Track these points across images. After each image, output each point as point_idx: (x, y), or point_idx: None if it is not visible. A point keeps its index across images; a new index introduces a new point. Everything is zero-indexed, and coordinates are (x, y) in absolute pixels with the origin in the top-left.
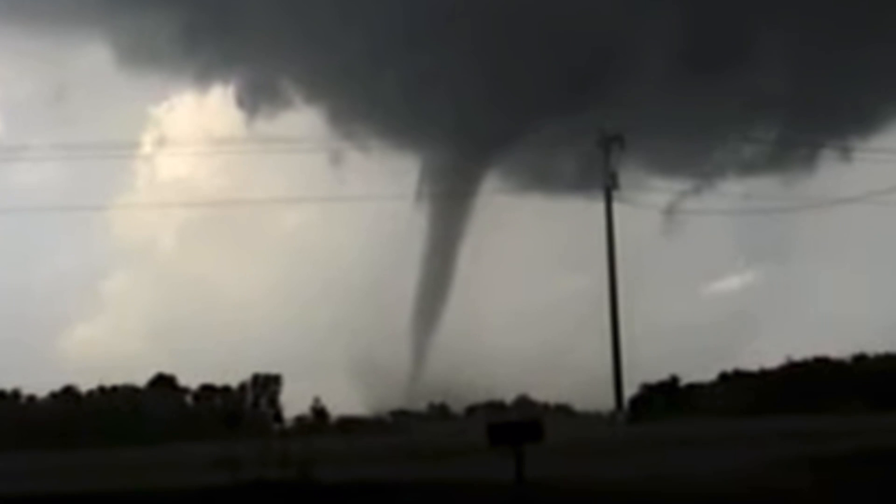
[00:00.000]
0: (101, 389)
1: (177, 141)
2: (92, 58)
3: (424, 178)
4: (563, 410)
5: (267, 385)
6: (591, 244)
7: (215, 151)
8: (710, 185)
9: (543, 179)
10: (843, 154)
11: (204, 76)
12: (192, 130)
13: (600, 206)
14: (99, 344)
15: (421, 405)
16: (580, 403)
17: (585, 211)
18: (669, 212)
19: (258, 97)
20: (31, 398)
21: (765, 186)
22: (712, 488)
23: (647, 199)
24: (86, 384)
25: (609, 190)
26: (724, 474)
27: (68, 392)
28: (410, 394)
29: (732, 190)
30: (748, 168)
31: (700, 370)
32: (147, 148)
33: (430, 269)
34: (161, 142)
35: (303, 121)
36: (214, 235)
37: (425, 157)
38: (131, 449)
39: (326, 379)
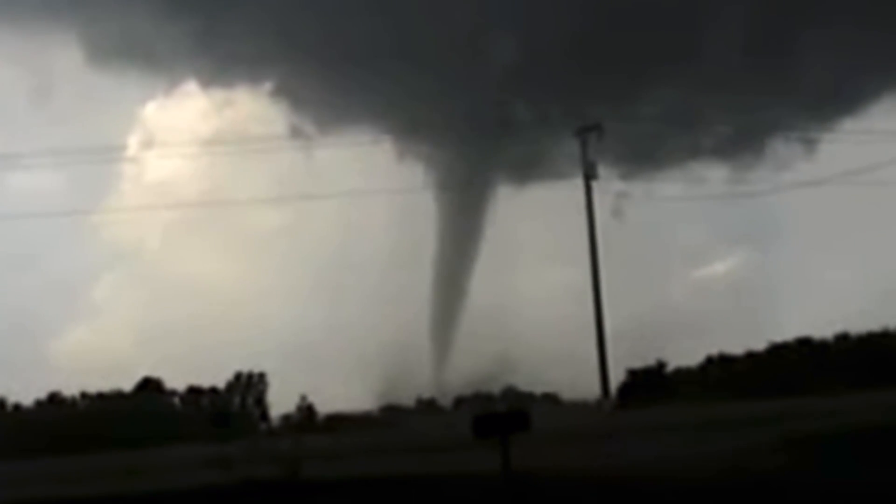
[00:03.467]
0: (87, 395)
1: (160, 141)
2: (66, 58)
3: (430, 171)
4: (551, 399)
5: (252, 384)
6: (571, 232)
7: (203, 151)
8: (677, 169)
9: (517, 169)
10: (817, 136)
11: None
12: (180, 130)
13: (574, 194)
14: (85, 349)
15: (408, 401)
16: (568, 392)
17: (562, 199)
18: (646, 198)
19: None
20: (17, 407)
21: (734, 171)
22: (693, 472)
23: (621, 186)
24: (72, 390)
25: (588, 179)
26: (706, 459)
27: (54, 399)
28: (437, 387)
29: (702, 175)
30: (716, 151)
31: (686, 355)
32: (132, 149)
33: (444, 262)
34: (147, 143)
35: (295, 114)
36: (201, 234)
37: (431, 150)
38: (121, 453)
39: (314, 376)
